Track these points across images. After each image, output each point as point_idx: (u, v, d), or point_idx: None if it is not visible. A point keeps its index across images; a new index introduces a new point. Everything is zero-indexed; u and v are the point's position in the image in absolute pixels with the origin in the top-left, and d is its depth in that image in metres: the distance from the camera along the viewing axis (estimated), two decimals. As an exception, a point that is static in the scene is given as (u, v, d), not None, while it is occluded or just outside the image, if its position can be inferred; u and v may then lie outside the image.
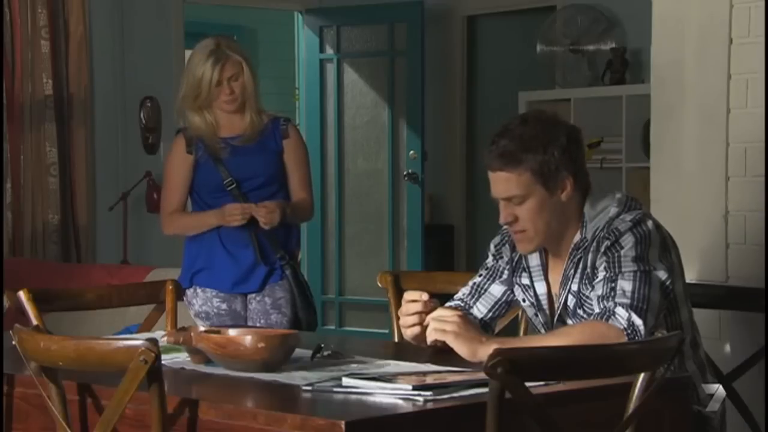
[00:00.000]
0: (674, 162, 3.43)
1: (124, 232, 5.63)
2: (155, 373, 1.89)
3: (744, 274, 3.23)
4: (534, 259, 2.42)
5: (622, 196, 2.38)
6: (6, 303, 3.47)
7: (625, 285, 2.24)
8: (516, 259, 2.45)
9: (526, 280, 2.44)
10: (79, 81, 5.45)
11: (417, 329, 2.33)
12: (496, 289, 2.50)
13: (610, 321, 2.21)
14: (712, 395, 2.37)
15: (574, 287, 2.34)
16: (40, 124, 5.34)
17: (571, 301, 2.35)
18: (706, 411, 2.33)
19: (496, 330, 2.55)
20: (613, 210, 2.34)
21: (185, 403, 1.95)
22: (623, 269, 2.25)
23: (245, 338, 2.16)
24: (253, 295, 3.48)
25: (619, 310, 2.21)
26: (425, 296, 2.32)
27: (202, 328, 2.30)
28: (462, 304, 2.51)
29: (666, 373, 1.98)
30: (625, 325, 2.19)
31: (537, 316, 2.44)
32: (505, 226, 2.39)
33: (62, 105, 5.41)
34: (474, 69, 7.01)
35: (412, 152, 6.48)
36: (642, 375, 1.94)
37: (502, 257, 2.50)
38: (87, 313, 3.42)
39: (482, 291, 2.51)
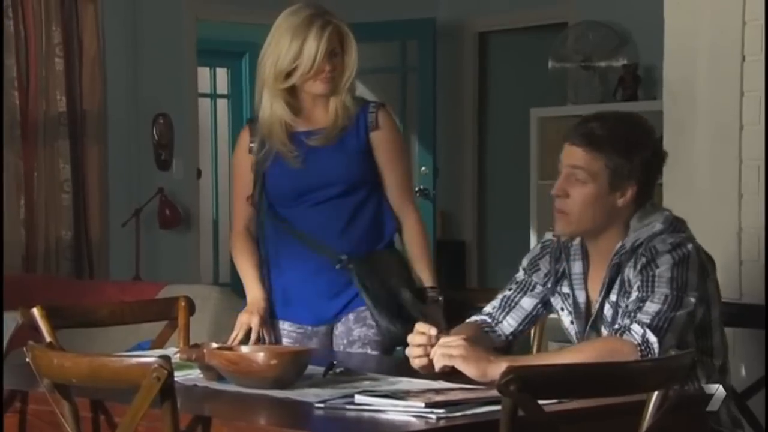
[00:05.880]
0: (687, 179, 3.42)
1: (136, 248, 5.65)
2: (168, 390, 1.89)
3: (758, 291, 3.21)
4: (576, 267, 2.41)
5: (669, 214, 2.37)
6: (19, 319, 3.48)
7: (652, 307, 2.23)
8: (560, 270, 2.44)
9: (566, 289, 2.43)
10: (93, 98, 5.48)
11: (424, 360, 2.32)
12: (527, 302, 2.49)
13: (624, 336, 2.21)
14: (735, 417, 2.37)
15: (613, 297, 2.33)
16: (53, 140, 5.37)
17: (608, 311, 2.34)
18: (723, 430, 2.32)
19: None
20: (657, 226, 2.33)
21: (198, 421, 1.95)
22: (655, 290, 2.24)
23: (258, 355, 2.16)
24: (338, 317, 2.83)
25: (635, 327, 2.21)
26: (433, 331, 2.31)
27: (214, 345, 2.30)
28: (489, 320, 2.51)
29: (687, 391, 1.97)
30: (639, 341, 2.19)
31: (573, 323, 2.43)
32: (555, 197, 2.35)
33: (76, 122, 5.43)
34: (485, 85, 7.02)
35: (423, 168, 6.49)
36: (656, 393, 1.93)
37: (537, 270, 2.48)
38: (99, 329, 3.43)
39: (513, 304, 2.50)
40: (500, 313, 2.51)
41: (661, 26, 3.52)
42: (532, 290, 2.49)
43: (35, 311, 2.64)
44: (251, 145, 2.85)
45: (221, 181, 7.88)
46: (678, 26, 3.46)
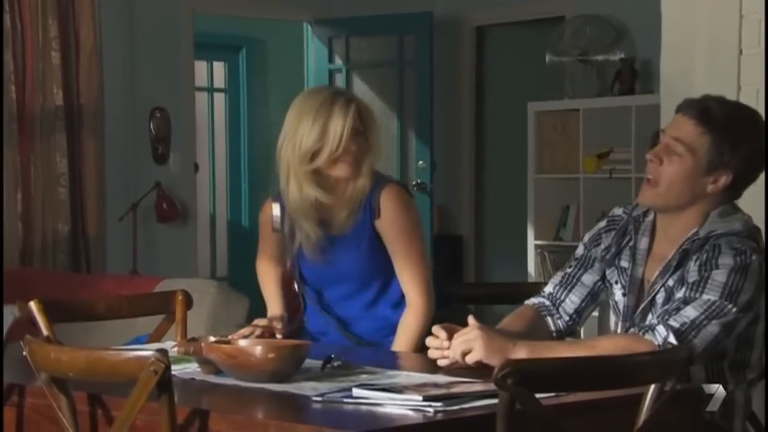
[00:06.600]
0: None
1: (133, 242, 5.65)
2: (165, 383, 1.89)
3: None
4: (643, 243, 2.40)
5: (750, 219, 2.36)
6: (17, 313, 3.48)
7: (690, 312, 2.21)
8: (624, 243, 2.42)
9: (625, 263, 2.41)
10: (90, 92, 5.47)
11: (445, 362, 2.30)
12: (588, 279, 2.47)
13: (646, 335, 2.20)
14: (747, 430, 2.37)
15: (670, 282, 2.31)
16: (50, 134, 5.36)
17: (661, 296, 2.32)
18: None
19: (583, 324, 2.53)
20: (737, 226, 2.31)
21: (195, 414, 1.95)
22: (703, 294, 2.22)
23: (255, 348, 2.16)
24: None
25: (660, 328, 2.20)
26: (443, 334, 2.30)
27: (212, 339, 2.30)
28: (548, 302, 2.49)
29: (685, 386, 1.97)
30: (660, 342, 2.18)
31: (624, 296, 2.41)
32: (649, 159, 2.33)
33: (72, 116, 5.43)
34: (483, 79, 7.02)
35: (420, 162, 6.49)
36: (652, 386, 1.94)
37: (598, 244, 2.46)
38: (97, 323, 3.43)
39: (574, 281, 2.48)
40: (562, 291, 2.48)
41: (659, 20, 3.53)
42: (592, 266, 2.47)
43: (32, 305, 2.64)
44: (275, 221, 2.77)
45: (218, 176, 7.88)
46: (675, 20, 3.47)
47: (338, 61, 6.63)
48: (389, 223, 2.67)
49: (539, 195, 6.00)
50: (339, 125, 2.61)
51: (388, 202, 2.67)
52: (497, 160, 7.12)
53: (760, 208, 3.24)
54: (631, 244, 2.41)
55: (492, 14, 6.68)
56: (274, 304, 2.83)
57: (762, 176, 3.23)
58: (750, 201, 3.24)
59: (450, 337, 2.28)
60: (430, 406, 1.89)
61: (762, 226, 3.20)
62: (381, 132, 2.73)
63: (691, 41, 3.41)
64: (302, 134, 2.62)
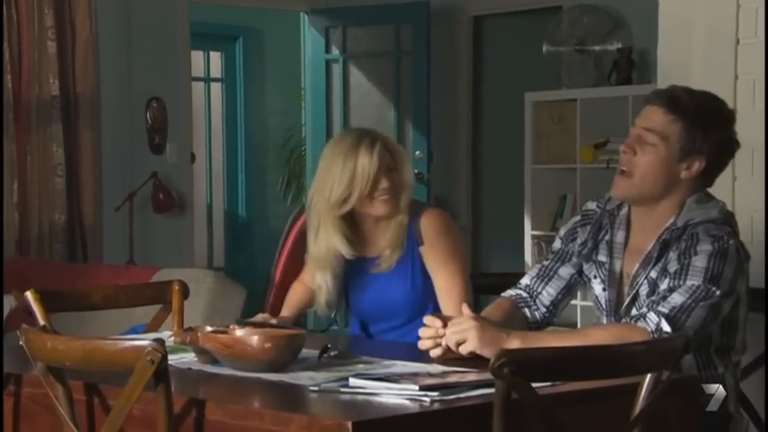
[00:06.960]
0: (681, 162, 3.42)
1: (130, 232, 5.65)
2: (162, 373, 1.89)
3: (750, 273, 3.22)
4: (619, 236, 2.41)
5: (724, 206, 2.38)
6: (13, 303, 3.48)
7: (677, 298, 2.23)
8: (600, 237, 2.44)
9: (602, 257, 2.43)
10: (86, 81, 5.46)
11: (438, 351, 2.31)
12: (564, 272, 2.49)
13: (638, 323, 2.21)
14: (740, 412, 2.38)
15: (653, 274, 2.32)
16: (46, 124, 5.35)
17: (644, 288, 2.33)
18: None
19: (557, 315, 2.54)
20: (714, 213, 2.33)
21: (192, 404, 1.95)
22: (687, 281, 2.24)
23: (252, 338, 2.16)
24: None
25: (651, 315, 2.21)
26: (438, 323, 2.31)
27: (209, 329, 2.30)
28: (526, 294, 2.50)
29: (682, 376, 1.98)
30: (653, 329, 2.19)
31: (605, 291, 2.42)
32: (622, 151, 2.35)
33: (69, 105, 5.42)
34: (480, 69, 7.01)
35: (418, 152, 6.48)
36: (649, 375, 1.94)
37: (575, 240, 2.48)
38: (93, 313, 3.43)
39: (551, 274, 2.50)
40: (539, 284, 2.49)
41: (656, 10, 3.52)
42: (569, 260, 2.49)
43: (29, 295, 2.64)
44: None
45: (215, 166, 7.88)
46: (672, 10, 3.46)
47: (335, 51, 6.62)
48: (430, 245, 2.70)
49: (536, 185, 5.99)
50: (366, 165, 2.65)
51: (429, 226, 2.71)
52: (494, 150, 7.11)
53: (760, 203, 3.24)
54: (607, 238, 2.43)
55: (489, 4, 6.67)
56: (286, 309, 2.91)
57: (761, 172, 3.24)
58: (744, 183, 3.25)
59: (444, 326, 2.29)
60: (426, 395, 1.90)
61: (762, 222, 3.22)
62: (411, 166, 2.75)
63: (688, 31, 3.40)
64: (333, 180, 2.67)
